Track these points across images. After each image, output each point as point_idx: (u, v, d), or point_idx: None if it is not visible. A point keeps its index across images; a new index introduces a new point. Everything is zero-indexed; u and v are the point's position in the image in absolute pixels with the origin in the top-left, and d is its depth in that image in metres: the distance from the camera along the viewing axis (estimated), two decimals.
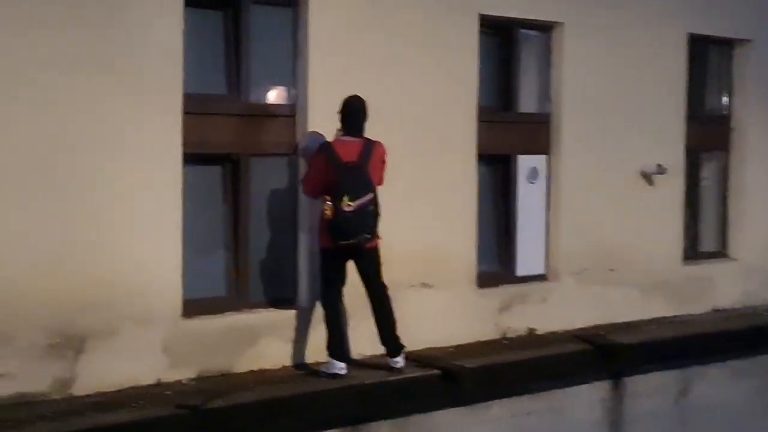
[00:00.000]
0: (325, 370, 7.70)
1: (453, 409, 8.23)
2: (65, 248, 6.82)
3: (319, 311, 7.89)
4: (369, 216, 7.48)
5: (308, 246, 7.99)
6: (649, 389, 9.60)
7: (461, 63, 8.85)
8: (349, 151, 7.54)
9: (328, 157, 7.50)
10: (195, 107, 7.39)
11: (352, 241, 7.46)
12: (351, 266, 7.76)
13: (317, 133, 7.85)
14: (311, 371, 7.79)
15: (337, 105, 7.82)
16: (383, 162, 7.70)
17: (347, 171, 7.45)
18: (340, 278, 7.75)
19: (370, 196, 7.47)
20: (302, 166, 7.93)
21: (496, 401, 8.52)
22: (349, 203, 7.37)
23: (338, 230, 7.42)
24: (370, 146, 7.61)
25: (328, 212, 7.40)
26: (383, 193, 7.65)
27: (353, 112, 7.66)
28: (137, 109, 7.07)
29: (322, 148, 7.60)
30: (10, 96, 6.58)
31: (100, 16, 6.90)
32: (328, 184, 7.44)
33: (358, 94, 7.72)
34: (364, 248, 7.60)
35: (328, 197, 7.42)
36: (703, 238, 11.26)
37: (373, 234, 7.56)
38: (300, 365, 7.89)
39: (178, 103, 7.25)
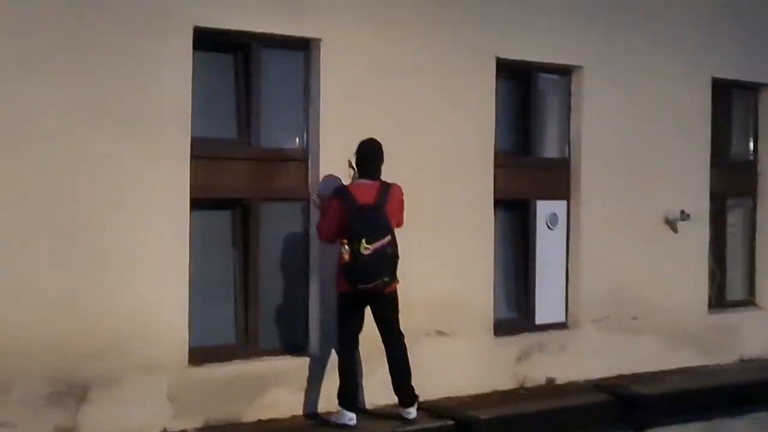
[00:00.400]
0: (335, 420, 7.55)
1: None
2: (69, 295, 6.73)
3: (330, 359, 7.76)
4: (388, 259, 7.37)
5: (320, 293, 7.86)
6: None
7: (478, 107, 8.73)
8: (366, 194, 7.46)
9: (343, 200, 7.41)
10: (204, 152, 7.32)
11: (371, 285, 7.32)
12: (368, 312, 7.62)
13: (332, 176, 7.74)
14: (322, 421, 7.64)
15: (350, 149, 7.76)
16: (401, 203, 7.61)
17: (364, 214, 7.36)
18: (358, 324, 7.61)
19: (388, 238, 7.37)
20: (314, 213, 7.82)
21: None
22: (367, 246, 7.26)
23: (356, 274, 7.29)
24: (387, 188, 7.53)
25: (346, 256, 7.29)
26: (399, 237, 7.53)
27: (369, 154, 7.59)
28: (144, 154, 7.00)
29: (338, 192, 7.51)
30: (20, 142, 6.55)
31: (108, 62, 6.86)
32: (344, 228, 7.35)
33: (374, 137, 7.63)
34: (383, 293, 7.47)
35: (345, 240, 7.31)
36: (730, 286, 11.01)
37: (392, 277, 7.44)
38: (311, 415, 7.73)
39: (186, 148, 7.17)
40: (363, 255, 7.26)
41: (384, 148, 7.66)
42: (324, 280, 7.84)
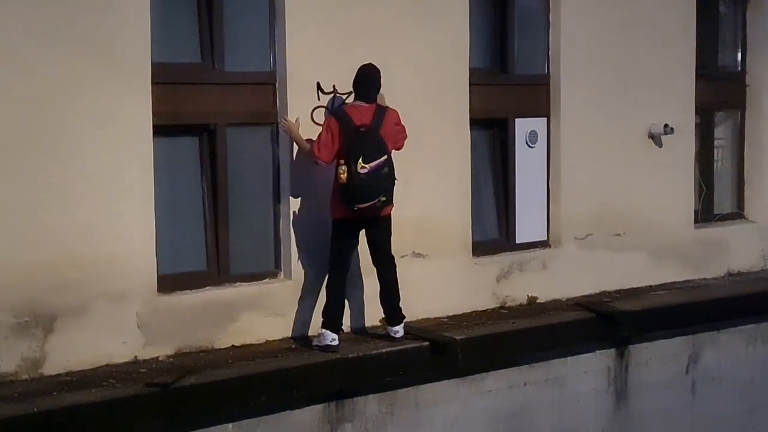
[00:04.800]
0: (317, 343, 7.55)
1: (446, 381, 8.04)
2: (32, 225, 6.67)
3: (304, 284, 7.77)
4: (384, 178, 7.37)
5: (292, 217, 7.79)
6: (657, 357, 9.33)
7: (450, 24, 8.55)
8: (362, 116, 7.46)
9: (341, 121, 7.39)
10: (166, 77, 7.21)
11: (368, 204, 7.30)
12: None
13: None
14: (296, 345, 7.63)
15: (319, 72, 7.76)
16: (398, 126, 7.61)
17: (360, 134, 7.36)
18: (351, 249, 7.64)
19: (384, 158, 7.37)
20: (284, 137, 7.74)
21: (492, 372, 8.30)
22: (364, 165, 7.27)
23: (354, 194, 7.28)
24: (383, 111, 7.54)
25: (343, 176, 7.28)
26: None
27: (365, 77, 7.60)
28: (103, 81, 6.87)
29: (335, 113, 7.52)
30: None
31: None
32: (341, 148, 7.33)
33: (372, 63, 7.61)
34: (379, 216, 7.48)
35: (342, 161, 7.30)
36: (718, 200, 10.91)
37: (389, 197, 7.44)
38: (284, 339, 7.71)
39: (147, 73, 7.05)
40: (360, 174, 7.25)
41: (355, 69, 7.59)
42: (298, 205, 7.79)
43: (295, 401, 7.22)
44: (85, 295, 6.84)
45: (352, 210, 7.35)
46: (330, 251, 7.59)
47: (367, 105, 7.53)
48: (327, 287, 7.58)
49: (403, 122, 7.71)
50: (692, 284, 10.15)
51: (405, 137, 7.70)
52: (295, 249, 7.82)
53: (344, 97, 7.88)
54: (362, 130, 7.37)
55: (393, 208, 7.59)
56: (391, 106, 7.66)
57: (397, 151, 7.61)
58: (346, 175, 7.26)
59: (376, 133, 7.41)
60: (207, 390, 6.69)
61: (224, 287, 7.56)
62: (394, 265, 7.72)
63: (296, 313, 7.80)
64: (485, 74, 8.97)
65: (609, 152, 9.64)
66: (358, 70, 7.60)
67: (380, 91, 7.67)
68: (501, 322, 8.50)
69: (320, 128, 7.61)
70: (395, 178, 7.45)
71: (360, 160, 7.25)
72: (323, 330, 7.52)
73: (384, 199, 7.37)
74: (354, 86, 7.64)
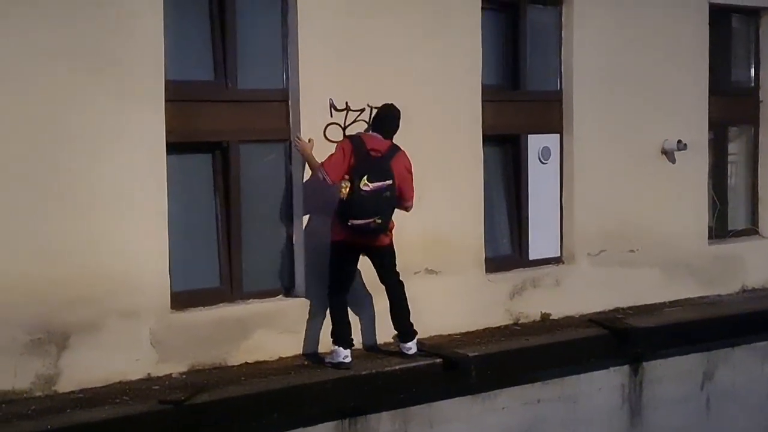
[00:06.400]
0: (330, 360, 7.57)
1: (459, 398, 8.03)
2: (47, 242, 6.70)
3: (317, 300, 7.77)
4: (385, 201, 7.41)
5: (305, 234, 7.82)
6: (671, 374, 9.31)
7: (464, 41, 8.59)
8: (376, 144, 7.56)
9: (354, 144, 7.50)
10: (179, 95, 7.25)
11: (363, 222, 7.33)
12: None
13: None
14: (310, 362, 7.64)
15: (331, 88, 7.82)
16: (408, 172, 7.65)
17: (370, 157, 7.45)
18: (349, 275, 7.65)
19: (389, 182, 7.42)
20: (296, 154, 7.78)
21: (505, 390, 8.30)
22: (367, 183, 7.35)
23: (351, 210, 7.34)
24: (397, 149, 7.63)
25: (344, 191, 7.35)
26: None
27: (387, 116, 7.74)
28: (118, 99, 6.92)
29: (351, 137, 7.66)
30: None
31: (79, 5, 6.76)
32: (349, 169, 7.40)
33: (394, 104, 7.73)
34: (378, 246, 7.56)
35: (347, 177, 7.39)
36: (732, 216, 10.89)
37: (386, 220, 7.44)
38: (297, 356, 7.73)
39: (160, 91, 7.10)
40: (362, 191, 7.32)
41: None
42: (311, 223, 7.82)
43: (308, 418, 7.23)
44: (98, 312, 6.87)
45: (347, 226, 7.37)
46: (329, 274, 7.62)
47: (383, 139, 7.63)
48: (329, 309, 7.63)
49: (414, 135, 7.78)
50: (706, 300, 10.13)
51: (413, 195, 7.69)
52: (307, 266, 7.83)
53: (357, 114, 7.91)
54: (373, 154, 7.47)
55: (390, 239, 7.62)
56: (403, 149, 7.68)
57: (405, 211, 7.67)
58: (347, 190, 7.34)
59: (386, 161, 7.50)
60: (220, 407, 6.71)
61: (237, 304, 7.59)
62: (401, 283, 7.77)
63: (308, 330, 7.81)
64: (498, 91, 8.99)
65: (622, 168, 9.64)
66: (381, 107, 7.76)
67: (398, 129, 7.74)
68: (514, 339, 8.51)
69: (333, 146, 7.67)
70: (396, 204, 7.50)
71: (365, 178, 7.33)
72: (335, 347, 7.54)
73: (380, 221, 7.38)
74: (374, 121, 7.80)
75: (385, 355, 7.88)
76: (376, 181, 7.36)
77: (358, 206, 7.32)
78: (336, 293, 7.58)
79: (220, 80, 7.58)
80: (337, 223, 7.48)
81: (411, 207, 7.75)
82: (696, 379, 9.53)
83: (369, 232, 7.42)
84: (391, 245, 7.67)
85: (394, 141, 7.67)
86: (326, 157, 7.55)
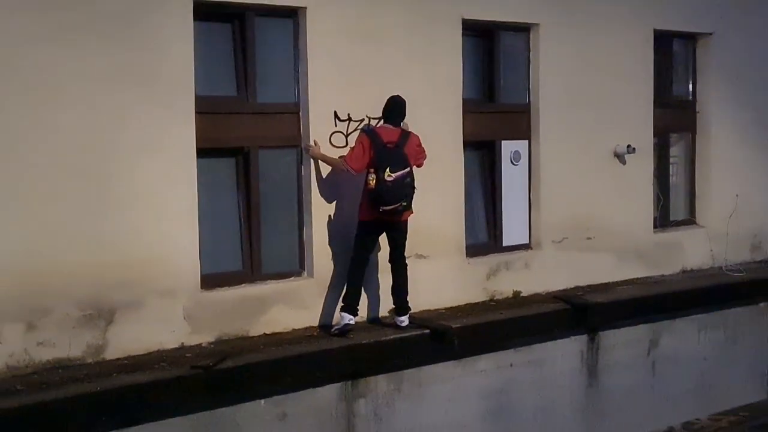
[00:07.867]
0: (337, 326, 7.56)
1: (444, 363, 8.04)
2: (98, 234, 6.71)
3: (325, 282, 7.77)
4: (407, 187, 7.45)
5: (316, 225, 7.80)
6: (622, 342, 9.31)
7: (447, 63, 8.57)
8: (390, 135, 7.56)
9: (372, 138, 7.48)
10: (208, 108, 7.24)
11: (392, 207, 7.36)
12: None
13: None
14: (319, 333, 7.64)
15: (335, 102, 7.82)
16: (419, 147, 7.70)
17: (388, 149, 7.44)
18: (372, 248, 7.69)
19: (407, 170, 7.45)
20: (306, 158, 7.77)
21: (483, 355, 8.30)
22: (390, 174, 7.35)
23: (381, 197, 7.35)
24: (407, 134, 7.63)
25: (372, 183, 7.36)
26: None
27: (394, 106, 7.70)
28: (156, 113, 6.93)
29: (367, 132, 7.61)
30: (53, 104, 6.49)
31: (120, 36, 6.76)
32: (371, 161, 7.40)
33: (400, 95, 7.70)
34: (400, 220, 7.55)
35: (372, 170, 7.38)
36: (673, 209, 10.87)
37: (409, 203, 7.51)
38: (308, 328, 7.72)
39: (191, 105, 7.09)
40: (386, 181, 7.33)
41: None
42: (320, 214, 7.80)
43: (316, 380, 7.25)
44: (140, 291, 6.88)
45: (378, 212, 7.39)
46: (354, 248, 7.61)
47: (394, 128, 7.61)
48: (348, 277, 7.60)
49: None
50: (652, 280, 10.12)
51: (425, 157, 7.80)
52: (316, 252, 7.83)
53: (357, 124, 7.91)
54: (389, 146, 7.47)
55: (412, 214, 7.64)
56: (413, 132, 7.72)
57: (418, 168, 7.69)
58: (374, 182, 7.34)
59: (401, 149, 7.50)
60: (242, 371, 6.73)
61: (257, 284, 7.58)
62: (406, 265, 7.78)
63: (317, 306, 7.81)
64: (476, 103, 8.98)
65: (581, 169, 9.63)
66: (389, 99, 7.70)
67: (405, 118, 7.73)
68: (490, 313, 8.50)
69: (337, 151, 7.69)
70: (415, 188, 7.53)
71: (387, 170, 7.34)
72: (342, 313, 7.54)
73: (405, 204, 7.45)
74: (384, 112, 7.73)
75: (382, 327, 7.89)
76: (397, 171, 7.37)
77: (387, 194, 7.35)
78: (358, 264, 7.57)
79: (242, 95, 7.57)
80: (366, 207, 7.50)
81: (423, 164, 7.80)
82: (643, 346, 9.54)
83: (396, 213, 7.46)
84: (407, 222, 7.66)
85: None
86: (348, 152, 7.55)
